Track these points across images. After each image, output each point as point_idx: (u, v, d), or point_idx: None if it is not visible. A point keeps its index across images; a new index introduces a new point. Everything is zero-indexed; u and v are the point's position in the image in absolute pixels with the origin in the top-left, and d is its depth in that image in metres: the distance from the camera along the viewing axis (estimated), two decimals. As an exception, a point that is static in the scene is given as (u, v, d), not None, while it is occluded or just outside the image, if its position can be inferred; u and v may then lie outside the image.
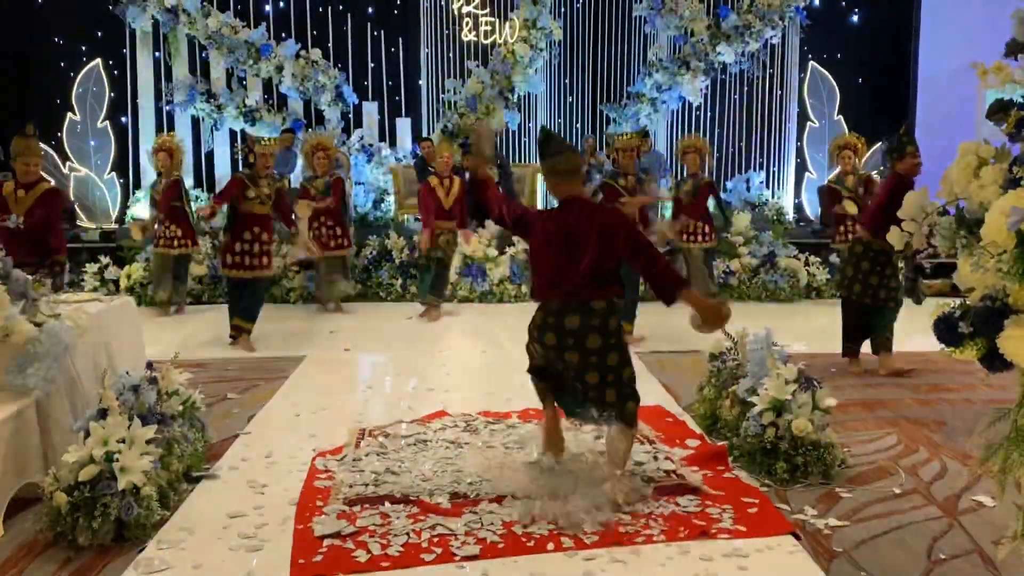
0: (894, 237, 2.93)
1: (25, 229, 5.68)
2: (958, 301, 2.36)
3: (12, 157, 5.77)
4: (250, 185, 6.55)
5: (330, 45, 12.31)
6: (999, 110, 2.49)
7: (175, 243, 8.20)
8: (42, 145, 11.40)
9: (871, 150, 12.42)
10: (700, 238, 8.61)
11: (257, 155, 6.63)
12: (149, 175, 8.34)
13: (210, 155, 12.16)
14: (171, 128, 11.65)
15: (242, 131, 11.83)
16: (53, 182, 6.87)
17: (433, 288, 8.18)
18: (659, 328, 6.81)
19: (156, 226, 8.33)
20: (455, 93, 11.93)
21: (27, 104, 11.87)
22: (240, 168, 10.78)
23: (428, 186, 7.99)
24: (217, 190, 11.94)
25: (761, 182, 12.72)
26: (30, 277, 3.65)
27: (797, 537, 3.08)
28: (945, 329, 2.46)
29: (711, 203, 8.40)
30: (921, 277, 5.61)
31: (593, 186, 11.10)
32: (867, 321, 5.81)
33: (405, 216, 11.15)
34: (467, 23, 12.15)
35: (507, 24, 11.94)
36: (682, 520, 3.20)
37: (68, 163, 12.13)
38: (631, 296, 6.83)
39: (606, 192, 6.67)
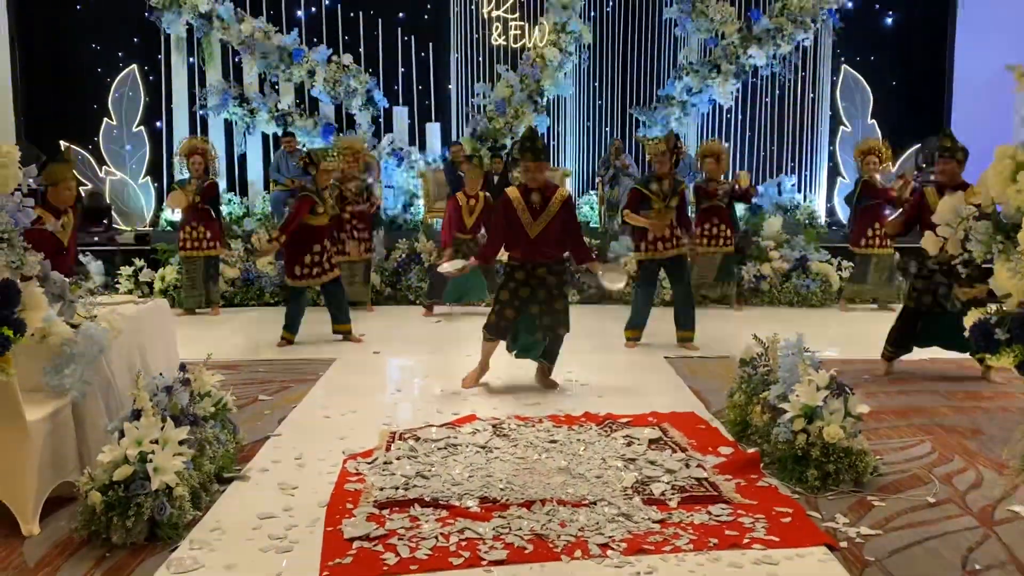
0: (928, 242, 2.89)
1: (70, 247, 5.70)
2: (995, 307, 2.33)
3: (54, 183, 5.25)
4: (318, 201, 6.62)
5: (361, 50, 12.40)
6: (1037, 114, 2.45)
7: (204, 245, 8.23)
8: (78, 149, 11.78)
9: (906, 153, 12.28)
10: (722, 242, 8.50)
11: (320, 171, 6.67)
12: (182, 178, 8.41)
13: (243, 158, 12.31)
14: (204, 132, 11.81)
15: (277, 135, 11.92)
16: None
17: (433, 290, 8.32)
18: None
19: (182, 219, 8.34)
20: (484, 97, 11.97)
21: (64, 109, 12.12)
22: (279, 171, 10.90)
23: (455, 203, 8.02)
24: (251, 194, 12.12)
25: (793, 186, 12.61)
26: (67, 279, 3.72)
27: (832, 548, 3.04)
28: (981, 336, 2.43)
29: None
30: (955, 282, 5.47)
31: (622, 189, 11.10)
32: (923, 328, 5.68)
33: (434, 219, 11.21)
34: (496, 27, 12.18)
35: (536, 28, 11.95)
36: (713, 530, 3.17)
37: (104, 167, 12.38)
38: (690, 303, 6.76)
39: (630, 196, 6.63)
